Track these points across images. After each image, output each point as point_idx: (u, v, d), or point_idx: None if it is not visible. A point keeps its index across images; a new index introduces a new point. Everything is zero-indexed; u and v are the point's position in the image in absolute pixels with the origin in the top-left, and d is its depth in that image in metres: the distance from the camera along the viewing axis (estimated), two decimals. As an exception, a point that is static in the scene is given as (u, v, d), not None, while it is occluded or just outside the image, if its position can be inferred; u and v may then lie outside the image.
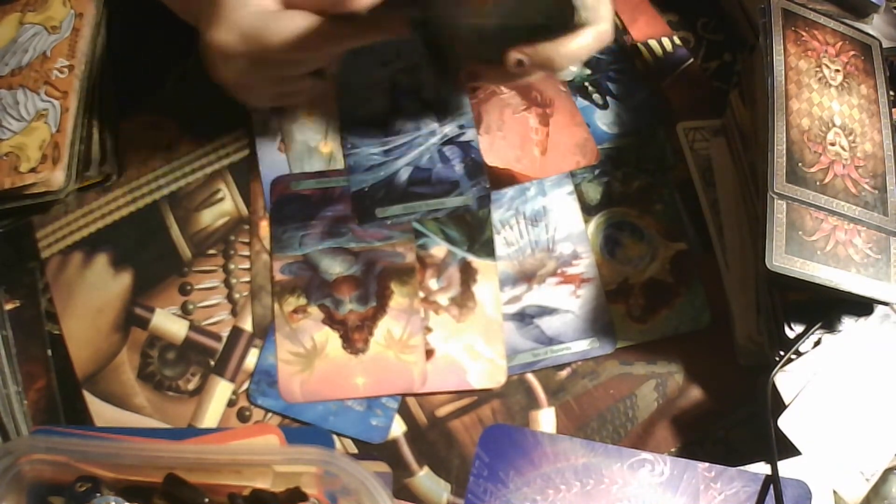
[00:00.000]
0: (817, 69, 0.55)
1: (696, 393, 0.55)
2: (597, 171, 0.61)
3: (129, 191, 0.60)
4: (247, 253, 0.58)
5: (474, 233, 0.58)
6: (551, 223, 0.59)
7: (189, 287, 0.58)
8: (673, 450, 0.54)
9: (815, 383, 0.51)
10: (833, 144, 0.53)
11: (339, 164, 0.61)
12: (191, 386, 0.55)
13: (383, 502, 0.43)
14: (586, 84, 0.64)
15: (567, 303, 0.57)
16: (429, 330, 0.56)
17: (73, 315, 0.57)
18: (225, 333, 0.56)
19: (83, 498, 0.46)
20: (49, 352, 0.56)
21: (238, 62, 0.48)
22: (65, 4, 0.62)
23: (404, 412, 0.54)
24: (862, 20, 0.62)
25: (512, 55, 0.46)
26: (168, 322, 0.57)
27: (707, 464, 0.51)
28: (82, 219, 0.59)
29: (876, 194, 0.53)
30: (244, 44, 0.47)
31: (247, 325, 0.57)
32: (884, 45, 0.59)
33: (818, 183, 0.52)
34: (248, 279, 0.58)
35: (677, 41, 0.67)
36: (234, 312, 0.57)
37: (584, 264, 0.58)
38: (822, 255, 0.49)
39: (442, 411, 0.55)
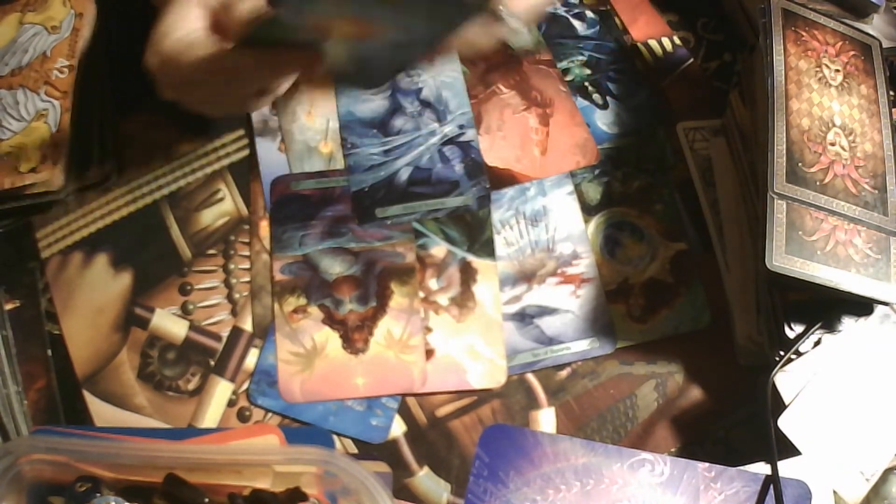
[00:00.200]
0: (817, 69, 0.55)
1: (696, 393, 0.55)
2: (597, 171, 0.61)
3: (129, 191, 0.60)
4: (247, 253, 0.58)
5: (474, 233, 0.59)
6: (551, 223, 0.59)
7: (189, 287, 0.58)
8: (673, 450, 0.54)
9: (815, 383, 0.51)
10: (833, 144, 0.53)
11: (339, 164, 0.61)
12: (191, 386, 0.55)
13: (383, 502, 0.43)
14: (586, 84, 0.64)
15: (567, 303, 0.57)
16: (429, 330, 0.56)
17: (73, 315, 0.57)
18: (225, 333, 0.56)
19: (83, 498, 0.45)
20: (49, 352, 0.56)
21: (171, 83, 0.50)
22: (65, 4, 0.62)
23: (404, 412, 0.54)
24: (862, 20, 0.62)
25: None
26: (168, 322, 0.57)
27: (707, 464, 0.51)
28: (82, 219, 0.59)
29: (876, 194, 0.53)
30: (163, 69, 0.49)
31: (247, 325, 0.57)
32: (884, 45, 0.59)
33: (818, 183, 0.52)
34: (248, 279, 0.58)
35: (677, 41, 0.67)
36: (234, 312, 0.57)
37: (584, 264, 0.58)
38: (822, 255, 0.49)
39: (442, 411, 0.55)
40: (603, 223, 0.59)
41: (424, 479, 0.53)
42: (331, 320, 0.56)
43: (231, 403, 0.55)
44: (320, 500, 0.47)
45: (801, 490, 0.49)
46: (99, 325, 0.56)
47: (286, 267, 0.57)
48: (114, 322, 0.56)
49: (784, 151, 0.52)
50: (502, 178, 0.60)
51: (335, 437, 0.53)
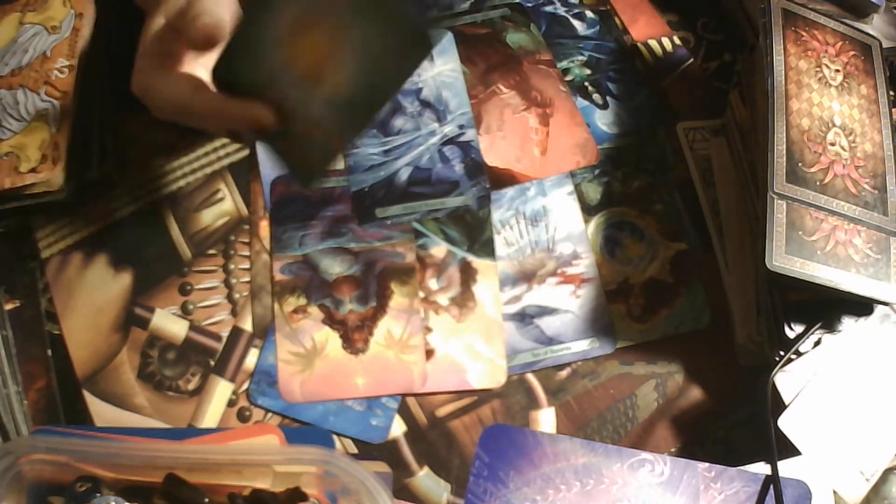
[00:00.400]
0: (817, 69, 0.55)
1: (696, 393, 0.55)
2: (597, 171, 0.61)
3: (129, 191, 0.60)
4: (247, 253, 0.58)
5: (474, 233, 0.59)
6: (551, 223, 0.59)
7: (189, 287, 0.58)
8: (673, 450, 0.54)
9: (815, 383, 0.51)
10: (833, 144, 0.53)
11: (339, 164, 0.61)
12: (191, 386, 0.55)
13: (383, 502, 0.43)
14: (586, 84, 0.64)
15: (567, 303, 0.57)
16: (429, 330, 0.56)
17: (73, 315, 0.57)
18: (225, 333, 0.56)
19: (83, 498, 0.45)
20: (49, 352, 0.56)
21: (155, 109, 0.49)
22: (65, 4, 0.62)
23: (404, 412, 0.54)
24: (862, 20, 0.62)
25: None
26: (168, 322, 0.57)
27: (707, 464, 0.51)
28: (82, 219, 0.59)
29: (876, 194, 0.53)
30: (142, 96, 0.48)
31: (247, 325, 0.57)
32: (884, 45, 0.59)
33: (818, 183, 0.52)
34: (248, 279, 0.58)
35: (677, 41, 0.67)
36: (234, 312, 0.57)
37: (584, 264, 0.58)
38: (822, 255, 0.49)
39: (442, 411, 0.55)
40: (603, 223, 0.59)
41: (424, 479, 0.53)
42: (331, 320, 0.56)
43: (231, 403, 0.55)
44: (320, 500, 0.47)
45: (801, 490, 0.49)
46: (99, 325, 0.56)
47: (286, 267, 0.57)
48: (114, 322, 0.56)
49: (784, 151, 0.52)
50: (502, 178, 0.60)
51: (335, 437, 0.53)
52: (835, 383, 0.51)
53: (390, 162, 0.60)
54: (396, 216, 0.59)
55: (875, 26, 0.62)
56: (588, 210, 0.60)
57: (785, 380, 0.51)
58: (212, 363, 0.56)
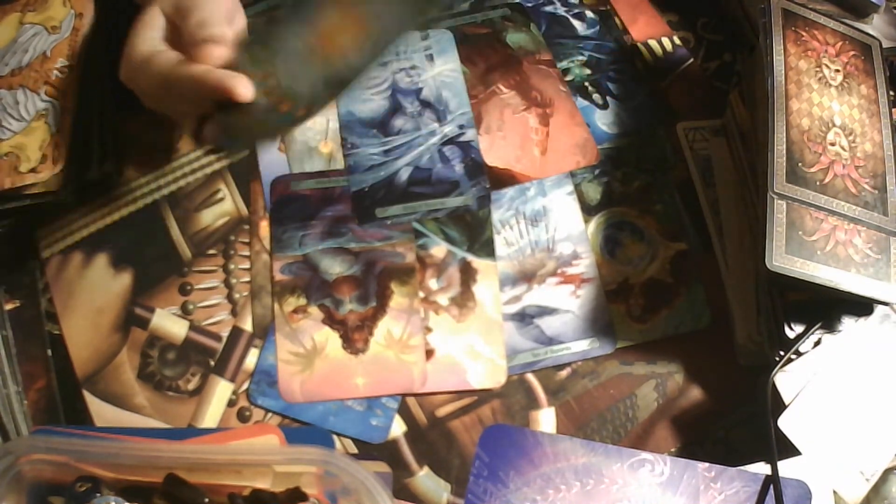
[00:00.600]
0: (817, 69, 0.55)
1: (696, 393, 0.55)
2: (597, 171, 0.61)
3: (129, 191, 0.60)
4: (247, 253, 0.58)
5: (474, 233, 0.59)
6: (551, 223, 0.59)
7: (189, 287, 0.58)
8: (673, 450, 0.54)
9: (815, 383, 0.51)
10: (833, 144, 0.53)
11: (339, 164, 0.61)
12: (191, 386, 0.55)
13: (383, 502, 0.43)
14: (586, 84, 0.64)
15: (567, 303, 0.57)
16: (429, 330, 0.56)
17: (73, 315, 0.57)
18: (225, 333, 0.56)
19: (83, 498, 0.45)
20: (49, 352, 0.56)
21: (141, 95, 0.51)
22: (65, 4, 0.62)
23: (404, 412, 0.54)
24: (862, 20, 0.62)
25: None
26: (168, 322, 0.57)
27: (707, 464, 0.51)
28: (82, 219, 0.59)
29: (876, 194, 0.53)
30: (129, 81, 0.51)
31: (247, 325, 0.57)
32: (884, 45, 0.59)
33: (818, 183, 0.52)
34: (248, 279, 0.58)
35: (677, 41, 0.67)
36: (234, 312, 0.57)
37: (584, 264, 0.58)
38: (822, 255, 0.49)
39: (442, 411, 0.55)
40: (603, 223, 0.59)
41: (424, 479, 0.53)
42: (331, 320, 0.56)
43: (231, 403, 0.55)
44: (320, 500, 0.47)
45: (801, 490, 0.49)
46: (99, 325, 0.56)
47: (286, 267, 0.57)
48: (114, 322, 0.56)
49: (784, 151, 0.52)
50: (502, 178, 0.60)
51: (335, 437, 0.53)
52: (835, 383, 0.51)
53: (390, 162, 0.60)
54: (396, 216, 0.59)
55: (875, 26, 0.62)
56: (588, 210, 0.60)
57: (785, 380, 0.51)
58: (212, 363, 0.56)
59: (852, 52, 0.57)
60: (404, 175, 0.60)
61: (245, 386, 0.55)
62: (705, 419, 0.54)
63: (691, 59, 0.66)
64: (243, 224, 0.59)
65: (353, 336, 0.56)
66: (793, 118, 0.53)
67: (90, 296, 0.57)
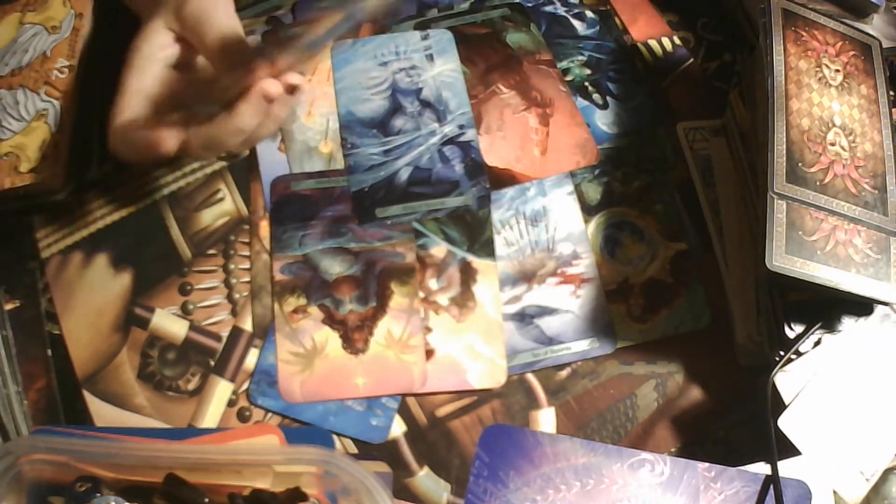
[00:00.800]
0: (817, 69, 0.55)
1: (696, 393, 0.55)
2: (597, 171, 0.61)
3: (129, 191, 0.60)
4: (247, 253, 0.58)
5: (474, 233, 0.59)
6: (551, 223, 0.59)
7: (189, 287, 0.58)
8: (673, 450, 0.54)
9: (815, 383, 0.51)
10: (833, 144, 0.53)
11: (339, 164, 0.61)
12: (191, 386, 0.55)
13: (383, 502, 0.43)
14: (586, 84, 0.64)
15: (567, 303, 0.57)
16: (429, 330, 0.56)
17: (73, 315, 0.57)
18: (225, 333, 0.56)
19: (83, 498, 0.45)
20: (49, 352, 0.56)
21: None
22: (65, 4, 0.62)
23: (404, 412, 0.54)
24: (862, 20, 0.62)
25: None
26: (168, 322, 0.57)
27: (707, 464, 0.51)
28: (82, 219, 0.59)
29: (876, 194, 0.53)
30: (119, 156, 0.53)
31: (247, 325, 0.57)
32: (884, 45, 0.59)
33: (818, 183, 0.52)
34: (248, 279, 0.58)
35: (677, 41, 0.67)
36: (234, 312, 0.57)
37: (584, 264, 0.58)
38: (822, 255, 0.49)
39: (442, 411, 0.55)
40: (603, 223, 0.59)
41: (424, 479, 0.53)
42: (331, 320, 0.56)
43: (231, 403, 0.55)
44: (320, 500, 0.47)
45: (801, 490, 0.49)
46: (99, 325, 0.56)
47: (286, 267, 0.57)
48: (114, 322, 0.56)
49: (784, 151, 0.52)
50: (502, 178, 0.60)
51: (335, 437, 0.53)
52: (835, 383, 0.51)
53: (390, 162, 0.60)
54: (396, 216, 0.59)
55: (875, 26, 0.62)
56: (588, 210, 0.60)
57: (785, 380, 0.51)
58: (212, 363, 0.56)
59: (852, 52, 0.57)
60: (404, 175, 0.60)
61: (245, 386, 0.55)
62: (705, 419, 0.54)
63: (691, 59, 0.66)
64: (243, 224, 0.59)
65: (353, 336, 0.56)
66: (793, 118, 0.53)
67: (90, 296, 0.57)
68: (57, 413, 0.54)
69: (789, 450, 0.50)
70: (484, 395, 0.55)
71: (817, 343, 0.52)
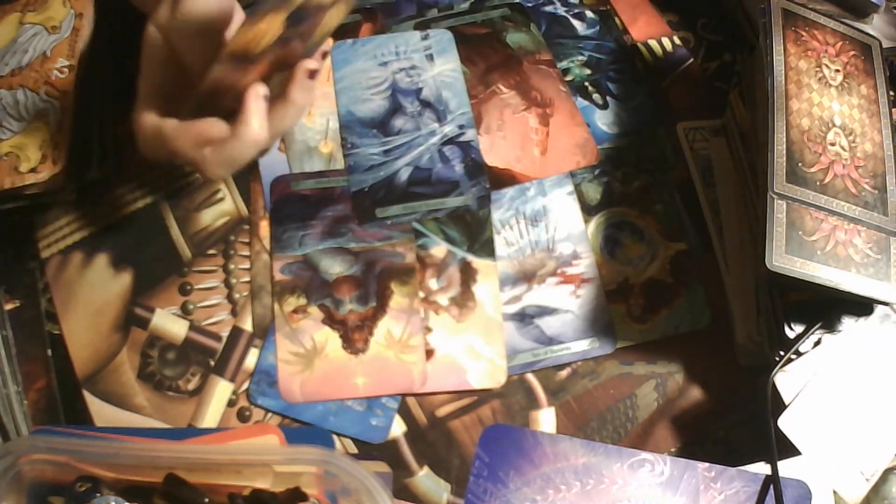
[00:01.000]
0: (817, 69, 0.55)
1: (696, 393, 0.55)
2: (597, 171, 0.61)
3: (129, 191, 0.60)
4: (247, 253, 0.58)
5: (474, 233, 0.59)
6: (551, 223, 0.59)
7: (189, 287, 0.58)
8: (673, 450, 0.54)
9: (815, 383, 0.51)
10: (833, 144, 0.53)
11: (339, 164, 0.61)
12: (191, 386, 0.55)
13: (383, 502, 0.43)
14: (586, 84, 0.64)
15: (567, 303, 0.57)
16: (429, 330, 0.56)
17: (73, 315, 0.57)
18: (225, 333, 0.56)
19: (83, 498, 0.45)
20: (49, 352, 0.56)
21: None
22: (65, 4, 0.62)
23: (404, 412, 0.54)
24: (862, 20, 0.62)
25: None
26: (168, 322, 0.57)
27: (707, 464, 0.51)
28: (82, 219, 0.59)
29: (876, 194, 0.53)
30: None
31: (247, 325, 0.57)
32: (884, 45, 0.59)
33: (818, 183, 0.52)
34: (248, 279, 0.58)
35: (677, 41, 0.67)
36: (234, 312, 0.57)
37: (584, 264, 0.58)
38: (822, 255, 0.49)
39: (442, 411, 0.55)
40: (603, 223, 0.59)
41: (424, 479, 0.53)
42: (331, 320, 0.56)
43: (231, 403, 0.55)
44: (320, 500, 0.47)
45: (801, 490, 0.49)
46: (99, 325, 0.56)
47: (286, 267, 0.57)
48: (114, 322, 0.56)
49: (784, 151, 0.52)
50: (502, 178, 0.60)
51: (335, 437, 0.53)
52: (835, 383, 0.51)
53: (390, 162, 0.60)
54: (396, 216, 0.59)
55: (875, 26, 0.62)
56: (588, 210, 0.60)
57: (785, 380, 0.51)
58: (212, 363, 0.56)
59: (852, 52, 0.57)
60: (404, 175, 0.60)
61: (245, 386, 0.55)
62: (705, 419, 0.54)
63: (691, 59, 0.66)
64: (243, 224, 0.59)
65: (353, 336, 0.56)
66: (793, 118, 0.53)
67: (90, 296, 0.57)
68: (57, 413, 0.54)
69: (789, 450, 0.50)
70: (484, 395, 0.55)
71: (817, 343, 0.52)
